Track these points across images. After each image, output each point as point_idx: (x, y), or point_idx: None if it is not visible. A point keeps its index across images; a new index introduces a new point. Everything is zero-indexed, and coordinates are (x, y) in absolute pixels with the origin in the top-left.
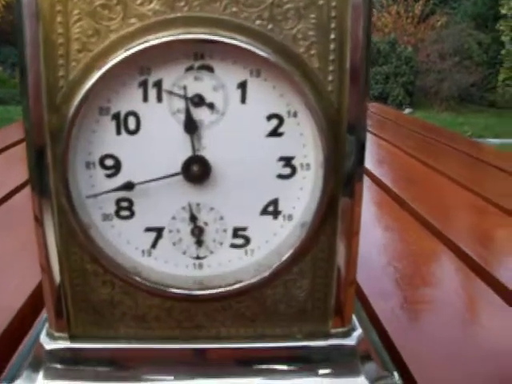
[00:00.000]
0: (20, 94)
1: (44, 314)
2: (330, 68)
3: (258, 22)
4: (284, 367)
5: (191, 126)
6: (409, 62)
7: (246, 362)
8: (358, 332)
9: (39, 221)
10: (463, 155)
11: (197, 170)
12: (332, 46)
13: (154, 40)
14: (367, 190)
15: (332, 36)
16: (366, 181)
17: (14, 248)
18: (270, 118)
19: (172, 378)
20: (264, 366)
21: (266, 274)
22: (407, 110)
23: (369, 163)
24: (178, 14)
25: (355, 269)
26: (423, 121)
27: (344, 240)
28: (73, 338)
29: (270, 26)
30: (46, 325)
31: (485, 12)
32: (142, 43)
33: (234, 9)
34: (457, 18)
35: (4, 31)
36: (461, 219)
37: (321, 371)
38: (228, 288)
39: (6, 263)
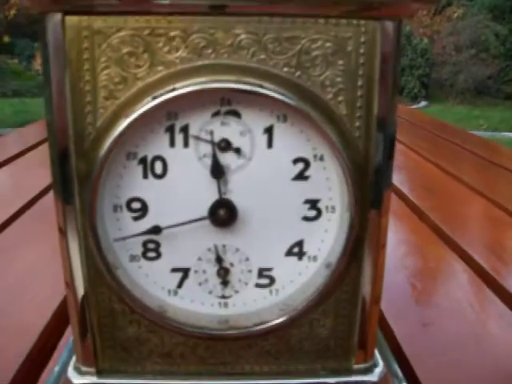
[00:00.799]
0: (48, 139)
1: (70, 338)
2: (357, 114)
3: (285, 69)
4: None
5: (218, 171)
6: (424, 54)
7: None
8: (380, 368)
9: (67, 261)
10: (479, 159)
11: (223, 214)
12: (360, 93)
13: (181, 89)
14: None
15: (360, 83)
16: None
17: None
18: (296, 161)
19: None
20: None
21: (291, 314)
22: (422, 103)
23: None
24: (206, 62)
25: (378, 308)
26: (438, 120)
27: (368, 281)
28: (100, 373)
29: (297, 73)
30: (73, 358)
31: (502, 3)
32: (170, 91)
33: (262, 56)
34: (473, 9)
35: (19, 24)
36: (478, 230)
37: None
38: (253, 328)
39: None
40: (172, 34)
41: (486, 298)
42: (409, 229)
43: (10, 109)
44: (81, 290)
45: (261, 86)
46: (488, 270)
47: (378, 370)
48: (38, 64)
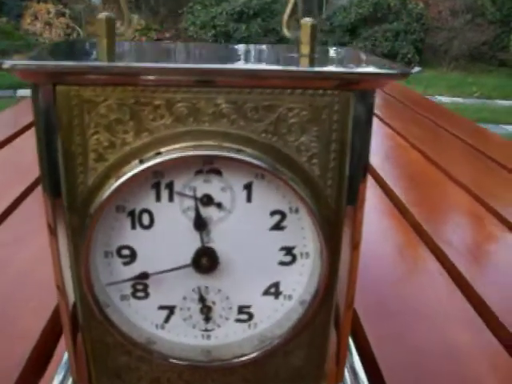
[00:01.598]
0: (42, 194)
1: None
2: (330, 175)
3: (263, 134)
4: None
5: (200, 224)
6: (420, 19)
7: None
8: None
9: (64, 302)
10: (468, 147)
11: (205, 262)
12: (332, 156)
13: (166, 153)
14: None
15: (333, 147)
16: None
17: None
18: (273, 213)
19: None
20: None
21: (267, 346)
22: (416, 69)
23: (373, 157)
24: (188, 128)
25: (347, 340)
26: (432, 102)
27: (337, 318)
28: None
29: (274, 139)
30: (70, 380)
31: None
32: (155, 155)
33: (242, 123)
34: None
35: None
36: (458, 228)
37: None
38: (233, 360)
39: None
40: (156, 103)
41: (457, 302)
42: (390, 226)
43: None
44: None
45: (240, 151)
46: (463, 272)
47: None
48: (26, 23)
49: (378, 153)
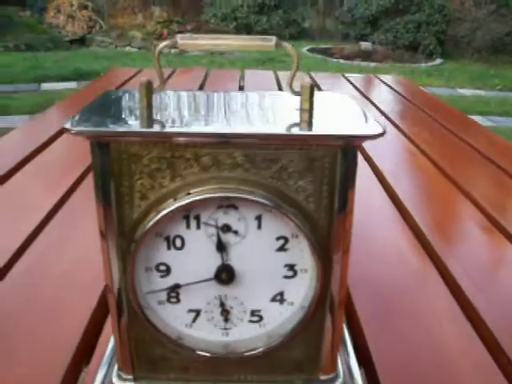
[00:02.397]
0: (98, 223)
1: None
2: (322, 209)
3: (270, 179)
4: None
5: (221, 246)
6: (442, 10)
7: None
8: (340, 378)
9: (114, 305)
10: (481, 158)
11: (225, 276)
12: (324, 195)
13: (194, 195)
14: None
15: (324, 188)
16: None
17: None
18: (278, 238)
19: None
20: None
21: (274, 343)
22: (437, 61)
23: (387, 165)
24: (211, 175)
25: (339, 338)
26: (446, 105)
27: (331, 320)
28: (136, 380)
29: (278, 183)
30: (116, 367)
31: None
32: (186, 195)
33: (253, 171)
34: None
35: None
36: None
37: None
38: (246, 353)
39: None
40: (187, 156)
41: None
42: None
43: (24, 64)
44: (125, 329)
45: (252, 193)
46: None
47: (339, 380)
48: (49, 16)
49: (391, 162)
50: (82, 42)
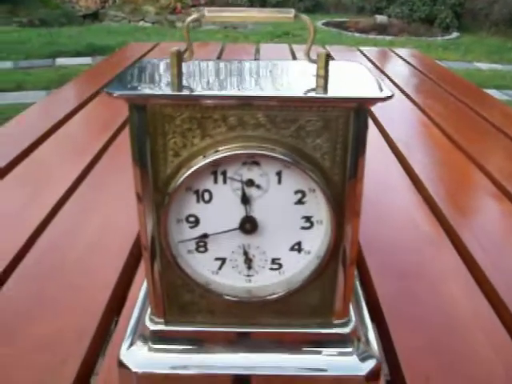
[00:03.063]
0: (134, 179)
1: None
2: (337, 165)
3: (289, 138)
4: (302, 346)
5: (245, 199)
6: None
7: (276, 341)
8: (352, 322)
9: (148, 254)
10: (495, 131)
11: (249, 227)
12: (338, 152)
13: (222, 152)
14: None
15: (338, 146)
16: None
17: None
18: (296, 192)
19: (228, 349)
20: (288, 345)
21: (292, 288)
22: (454, 34)
23: (402, 137)
24: (237, 134)
25: (351, 287)
26: (461, 79)
27: (343, 269)
28: (167, 323)
29: (297, 141)
30: (149, 311)
31: None
32: (214, 153)
33: (274, 130)
34: None
35: None
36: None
37: (326, 350)
38: (267, 297)
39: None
40: (215, 117)
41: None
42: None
43: (38, 39)
44: (157, 275)
45: (273, 150)
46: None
47: (351, 324)
48: None
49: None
50: (95, 16)
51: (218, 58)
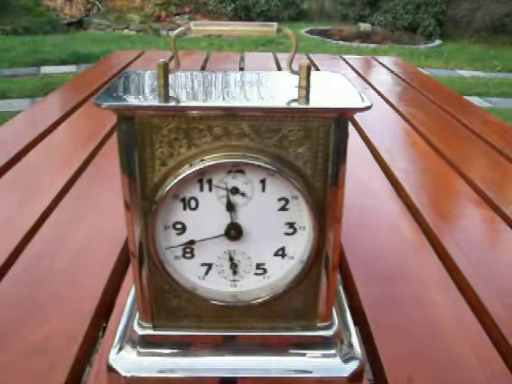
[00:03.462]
0: (122, 188)
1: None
2: (318, 173)
3: (272, 147)
4: (287, 349)
5: (230, 207)
6: None
7: (262, 344)
8: (335, 325)
9: (136, 260)
10: (476, 138)
11: (234, 233)
12: (320, 161)
13: (207, 161)
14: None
15: (320, 155)
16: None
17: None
18: (280, 199)
19: (215, 352)
20: (273, 348)
21: (277, 293)
22: (436, 42)
23: (384, 144)
24: (222, 143)
25: (334, 291)
26: (443, 87)
27: (326, 273)
28: (155, 327)
29: (280, 150)
30: (137, 316)
31: None
32: (200, 162)
33: (258, 140)
34: None
35: None
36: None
37: (310, 352)
38: (252, 302)
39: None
40: (201, 127)
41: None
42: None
43: (23, 47)
44: (145, 280)
45: (257, 159)
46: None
47: (335, 327)
48: (47, 0)
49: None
50: (79, 24)
51: (203, 66)
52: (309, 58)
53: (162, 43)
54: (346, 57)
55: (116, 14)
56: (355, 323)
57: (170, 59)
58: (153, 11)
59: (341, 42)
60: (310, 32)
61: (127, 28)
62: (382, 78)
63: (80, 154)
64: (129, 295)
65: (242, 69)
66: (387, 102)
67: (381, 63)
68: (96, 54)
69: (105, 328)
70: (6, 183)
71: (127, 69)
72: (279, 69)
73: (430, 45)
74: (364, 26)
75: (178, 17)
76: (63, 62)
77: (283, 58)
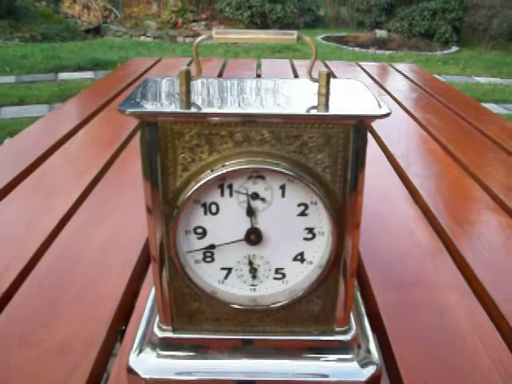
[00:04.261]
0: (144, 192)
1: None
2: (337, 179)
3: (292, 153)
4: (304, 353)
5: (250, 212)
6: None
7: (279, 348)
8: (353, 330)
9: (157, 264)
10: (492, 144)
11: (254, 238)
12: (339, 167)
13: (229, 166)
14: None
15: (339, 161)
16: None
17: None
18: (299, 205)
19: (233, 356)
20: (291, 352)
21: (295, 297)
22: (453, 49)
23: (400, 151)
24: (243, 149)
25: (352, 296)
26: (459, 93)
27: (344, 278)
28: (175, 330)
29: (300, 156)
30: (157, 319)
31: None
32: (221, 167)
33: (278, 146)
34: None
35: None
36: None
37: (328, 357)
38: (271, 306)
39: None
40: (223, 133)
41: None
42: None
43: (41, 54)
44: (165, 284)
45: (277, 165)
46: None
47: (352, 331)
48: (65, 7)
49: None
50: (97, 31)
51: (221, 72)
52: (325, 65)
53: (179, 50)
54: (362, 63)
55: (133, 21)
56: (372, 329)
57: (188, 64)
58: (169, 18)
59: (357, 49)
60: (326, 39)
61: (144, 35)
62: (398, 84)
63: (99, 160)
64: (148, 299)
65: (258, 75)
66: (403, 108)
67: (397, 70)
68: (113, 61)
69: (124, 331)
70: (26, 189)
71: (146, 75)
72: (296, 75)
73: (446, 51)
74: (380, 33)
75: (194, 23)
76: (81, 69)
77: (300, 64)
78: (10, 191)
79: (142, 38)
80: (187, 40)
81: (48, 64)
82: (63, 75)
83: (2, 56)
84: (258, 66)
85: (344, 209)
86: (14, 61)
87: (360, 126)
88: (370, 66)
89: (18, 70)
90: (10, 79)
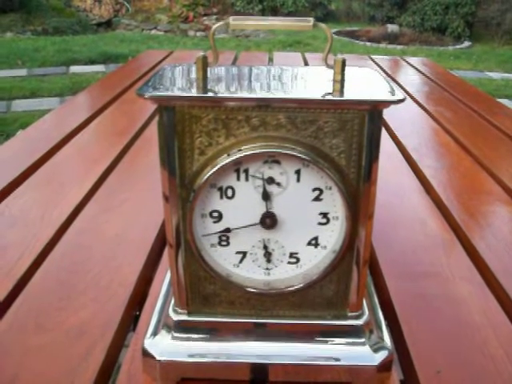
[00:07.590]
0: (161, 177)
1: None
2: (352, 164)
3: (308, 138)
4: (317, 337)
5: (266, 196)
6: None
7: (292, 332)
8: (366, 315)
9: (173, 247)
10: (505, 138)
11: (269, 222)
12: (354, 152)
13: (245, 151)
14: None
15: (354, 146)
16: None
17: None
18: (314, 190)
19: (246, 338)
20: (304, 335)
21: (309, 281)
22: (465, 43)
23: (412, 142)
24: (259, 134)
25: (365, 280)
26: (471, 87)
27: (357, 265)
28: (190, 313)
29: (315, 141)
30: (172, 302)
31: None
32: (238, 151)
33: (294, 131)
34: None
35: None
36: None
37: (340, 341)
38: (285, 289)
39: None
40: (239, 118)
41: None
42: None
43: (53, 47)
44: (181, 267)
45: (293, 149)
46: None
47: (365, 316)
48: (77, 0)
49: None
50: (108, 25)
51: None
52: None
53: (190, 43)
54: (374, 57)
55: (144, 15)
56: (385, 318)
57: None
58: (180, 12)
59: (368, 44)
60: (338, 33)
61: (155, 28)
62: (410, 77)
63: (112, 151)
64: (163, 283)
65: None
66: (415, 101)
67: (409, 63)
68: (124, 54)
69: (139, 315)
70: (39, 179)
71: (158, 68)
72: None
73: (458, 46)
74: (392, 28)
75: (205, 17)
76: (92, 62)
77: (312, 57)
78: (23, 181)
79: (153, 31)
80: (198, 34)
81: (60, 57)
82: (75, 68)
83: (14, 49)
84: (270, 59)
85: (358, 194)
86: (25, 54)
87: (374, 111)
88: (382, 59)
89: (29, 63)
90: (22, 72)
